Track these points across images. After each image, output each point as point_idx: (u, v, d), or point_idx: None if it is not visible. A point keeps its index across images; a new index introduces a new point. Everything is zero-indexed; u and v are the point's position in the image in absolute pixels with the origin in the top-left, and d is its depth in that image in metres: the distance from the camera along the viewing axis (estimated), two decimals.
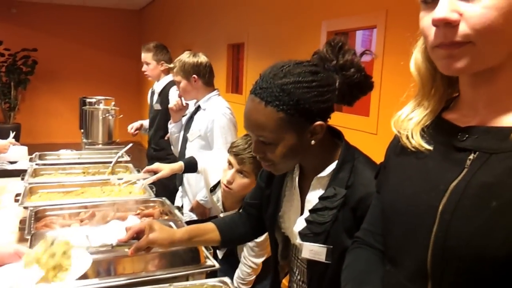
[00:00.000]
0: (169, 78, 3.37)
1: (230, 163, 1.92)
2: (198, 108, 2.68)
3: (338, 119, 2.98)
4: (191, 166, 2.31)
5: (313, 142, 1.16)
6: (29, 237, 1.60)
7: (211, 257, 1.57)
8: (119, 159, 2.96)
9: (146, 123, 3.62)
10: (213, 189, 2.14)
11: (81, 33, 9.24)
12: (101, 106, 3.95)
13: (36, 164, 2.93)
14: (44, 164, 2.97)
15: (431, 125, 0.81)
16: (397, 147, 0.87)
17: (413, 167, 0.81)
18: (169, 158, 3.08)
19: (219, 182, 2.08)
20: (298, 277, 1.34)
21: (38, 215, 1.96)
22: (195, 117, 2.67)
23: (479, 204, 0.68)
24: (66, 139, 7.66)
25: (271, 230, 1.39)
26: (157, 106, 3.41)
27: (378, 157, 1.23)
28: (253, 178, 1.86)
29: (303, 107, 1.10)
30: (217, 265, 1.54)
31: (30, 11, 8.85)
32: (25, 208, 2.05)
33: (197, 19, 6.26)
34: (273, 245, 1.42)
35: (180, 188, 2.82)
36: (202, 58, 2.70)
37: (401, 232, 0.81)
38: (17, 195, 2.21)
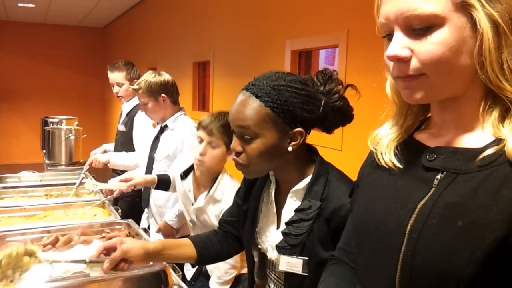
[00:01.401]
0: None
1: (200, 139, 2.01)
2: (164, 128, 2.66)
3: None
4: (164, 182, 2.29)
5: (290, 148, 1.20)
6: None
7: (179, 280, 1.55)
8: (83, 180, 2.89)
9: (109, 146, 3.53)
10: (183, 175, 2.16)
11: (42, 51, 9.05)
12: (64, 126, 3.86)
13: None
14: (4, 188, 2.87)
15: (403, 144, 0.84)
16: (370, 165, 0.90)
17: (384, 185, 0.84)
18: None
19: (190, 168, 2.14)
20: None
21: None
22: (162, 137, 2.64)
23: (445, 223, 0.70)
24: (28, 159, 7.42)
25: (248, 246, 1.40)
26: (122, 128, 3.30)
27: (345, 172, 1.28)
28: (223, 149, 1.96)
29: (288, 108, 1.17)
30: None
31: None
32: None
33: (162, 37, 6.25)
34: (249, 263, 1.42)
35: (145, 209, 2.78)
36: (167, 77, 2.69)
37: (371, 252, 0.82)
38: None
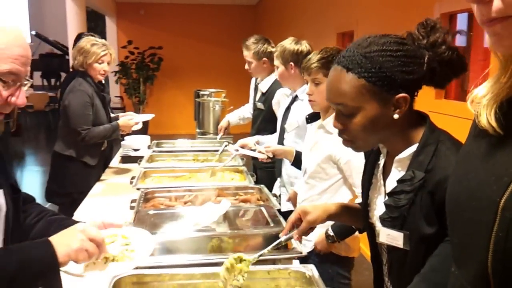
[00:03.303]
0: (274, 76, 3.22)
1: (306, 81, 2.06)
2: (295, 98, 2.67)
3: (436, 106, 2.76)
4: (299, 160, 2.31)
5: (396, 116, 1.11)
6: (134, 215, 1.77)
7: (299, 244, 1.58)
8: (225, 147, 3.10)
9: (232, 118, 3.66)
10: (309, 119, 2.19)
11: (200, 30, 9.80)
12: (213, 98, 4.15)
13: (153, 151, 3.20)
14: (160, 151, 3.24)
15: (507, 106, 0.70)
16: (472, 133, 0.78)
17: (481, 155, 0.72)
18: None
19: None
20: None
21: (147, 196, 2.15)
22: (292, 107, 2.65)
23: None
24: (188, 130, 8.21)
25: (364, 219, 1.36)
26: (260, 106, 3.34)
27: None
28: None
29: (385, 75, 1.07)
30: (304, 253, 1.54)
31: (156, 12, 9.63)
32: (138, 189, 2.25)
33: (307, 9, 6.25)
34: (369, 237, 1.38)
35: (278, 178, 2.86)
36: (303, 47, 2.67)
37: (463, 230, 0.73)
38: (132, 178, 2.45)
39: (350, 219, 1.45)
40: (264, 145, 2.37)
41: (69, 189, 3.01)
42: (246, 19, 9.95)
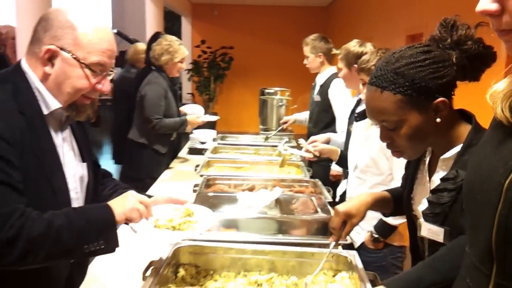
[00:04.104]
0: (331, 70, 3.41)
1: (363, 82, 2.07)
2: (359, 102, 2.72)
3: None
4: (344, 160, 2.39)
5: (438, 120, 1.16)
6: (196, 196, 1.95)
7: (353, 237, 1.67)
8: (284, 144, 3.22)
9: (299, 116, 3.78)
10: (358, 118, 2.26)
11: (271, 30, 9.99)
12: (277, 96, 4.30)
13: (218, 143, 3.41)
14: (224, 144, 3.44)
15: None
16: (492, 122, 0.85)
17: (495, 143, 0.79)
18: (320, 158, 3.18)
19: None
20: None
21: (209, 183, 2.33)
22: (357, 110, 2.71)
23: None
24: (254, 128, 8.42)
25: (406, 211, 1.43)
26: (317, 98, 3.46)
27: None
28: None
29: (419, 85, 1.12)
30: (348, 240, 1.63)
31: (229, 12, 9.96)
32: (201, 176, 2.44)
33: (377, 11, 6.22)
34: (410, 228, 1.45)
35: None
36: (367, 49, 2.72)
37: (475, 211, 0.80)
38: (197, 166, 2.65)
39: (380, 207, 1.53)
40: (311, 144, 2.45)
41: (141, 174, 3.28)
42: (317, 20, 10.00)
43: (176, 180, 2.95)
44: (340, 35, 7.78)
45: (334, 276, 1.48)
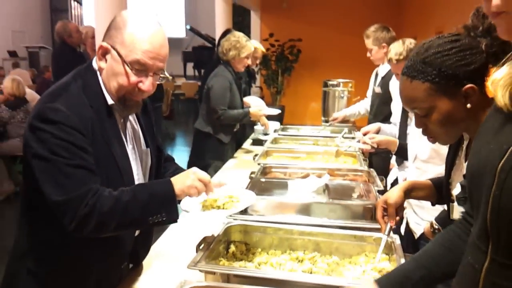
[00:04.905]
0: None
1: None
2: None
3: None
4: (404, 150, 2.40)
5: (469, 105, 1.19)
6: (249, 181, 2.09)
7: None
8: (344, 134, 3.28)
9: (349, 111, 3.79)
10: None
11: (340, 22, 9.88)
12: (340, 88, 4.33)
13: (278, 134, 3.54)
14: (285, 135, 3.57)
15: None
16: (493, 108, 0.89)
17: (495, 129, 0.83)
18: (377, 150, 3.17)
19: None
20: None
21: (265, 170, 2.47)
22: None
23: None
24: (320, 120, 8.47)
25: (446, 197, 1.47)
26: (378, 89, 3.46)
27: None
28: None
29: (446, 73, 1.17)
30: (393, 225, 1.69)
31: (298, 4, 9.98)
32: (259, 164, 2.59)
33: (450, 1, 5.99)
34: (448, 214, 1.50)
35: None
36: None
37: (476, 193, 0.85)
38: (255, 155, 2.80)
39: (422, 194, 1.57)
40: (368, 136, 2.49)
41: (206, 162, 3.51)
42: (388, 9, 9.75)
43: (238, 168, 3.12)
44: (411, 26, 7.55)
45: (374, 258, 1.56)
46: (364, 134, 2.81)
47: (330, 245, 1.61)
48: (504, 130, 0.81)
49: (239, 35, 3.45)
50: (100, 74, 1.43)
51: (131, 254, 1.59)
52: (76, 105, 1.34)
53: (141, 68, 1.37)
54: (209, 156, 3.47)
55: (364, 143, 2.52)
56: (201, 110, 3.57)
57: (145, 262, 1.71)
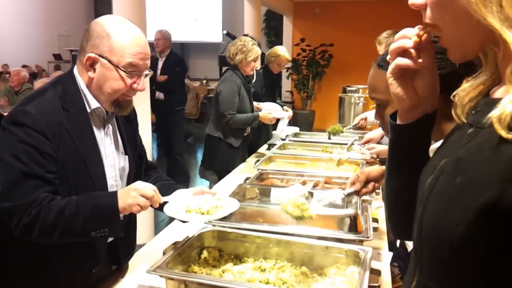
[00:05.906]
0: None
1: None
2: None
3: None
4: None
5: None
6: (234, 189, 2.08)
7: (370, 228, 1.69)
8: (354, 142, 3.22)
9: (370, 116, 3.71)
10: None
11: (371, 27, 9.66)
12: (359, 94, 4.27)
13: (289, 140, 3.51)
14: (295, 141, 3.53)
15: (481, 100, 0.75)
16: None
17: (446, 142, 0.80)
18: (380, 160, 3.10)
19: None
20: None
21: (262, 176, 2.46)
22: None
23: (447, 180, 0.66)
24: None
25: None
26: None
27: None
28: None
29: None
30: (370, 237, 1.64)
31: (330, 10, 9.91)
32: (258, 170, 2.58)
33: None
34: None
35: None
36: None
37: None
38: (257, 160, 2.79)
39: None
40: (367, 146, 2.45)
41: (217, 167, 3.53)
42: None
43: (243, 173, 3.12)
44: None
45: (345, 270, 1.52)
46: (367, 142, 2.76)
47: (304, 255, 1.58)
48: (448, 144, 0.78)
49: (245, 39, 3.47)
50: (89, 84, 1.47)
51: (112, 257, 1.63)
52: (47, 109, 1.39)
53: (134, 70, 1.44)
54: (219, 161, 3.50)
55: (364, 153, 2.48)
56: (211, 115, 3.61)
57: (131, 263, 1.75)
